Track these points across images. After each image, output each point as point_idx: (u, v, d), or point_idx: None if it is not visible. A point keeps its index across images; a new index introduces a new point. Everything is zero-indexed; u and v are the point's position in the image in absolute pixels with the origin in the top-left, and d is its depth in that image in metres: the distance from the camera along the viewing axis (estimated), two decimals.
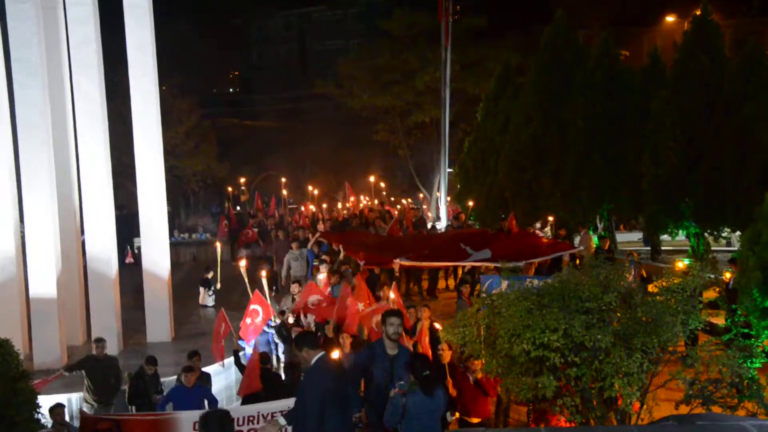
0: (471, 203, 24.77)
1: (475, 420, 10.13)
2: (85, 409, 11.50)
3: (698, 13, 19.32)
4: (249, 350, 12.77)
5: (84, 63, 16.07)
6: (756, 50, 18.54)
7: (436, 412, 7.56)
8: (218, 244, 19.82)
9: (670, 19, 37.82)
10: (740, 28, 34.88)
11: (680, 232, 19.84)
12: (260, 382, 10.78)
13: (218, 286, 19.29)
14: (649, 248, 22.91)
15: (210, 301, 19.54)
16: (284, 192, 31.27)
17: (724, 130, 17.76)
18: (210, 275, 19.73)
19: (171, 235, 30.22)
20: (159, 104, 17.09)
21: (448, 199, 29.94)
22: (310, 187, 33.70)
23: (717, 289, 13.05)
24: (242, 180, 37.47)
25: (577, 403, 8.38)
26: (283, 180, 33.21)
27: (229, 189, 28.25)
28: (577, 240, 20.00)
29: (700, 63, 18.44)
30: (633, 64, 25.38)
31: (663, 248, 22.27)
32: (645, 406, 8.78)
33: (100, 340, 12.50)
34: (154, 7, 16.82)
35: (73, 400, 12.54)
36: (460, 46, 32.29)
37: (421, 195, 38.75)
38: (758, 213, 11.18)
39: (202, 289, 19.68)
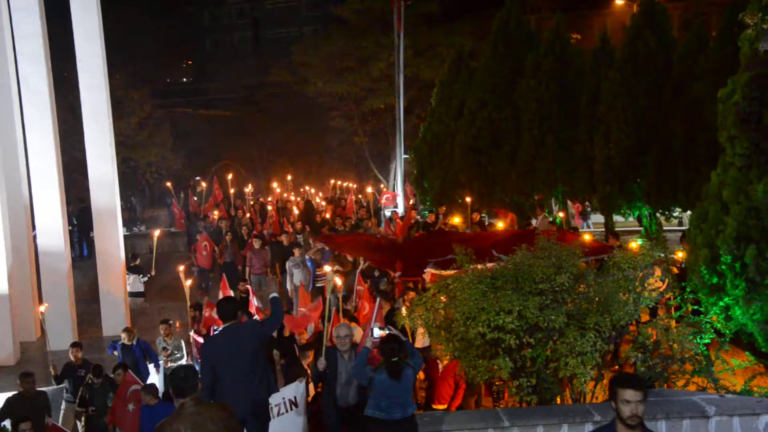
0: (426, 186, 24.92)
1: (441, 407, 10.15)
2: None
3: None
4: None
5: (30, 55, 15.81)
6: (703, 31, 18.79)
7: (405, 388, 7.71)
8: (155, 233, 19.52)
9: (619, 2, 38.16)
10: (687, 10, 35.32)
11: (634, 213, 20.12)
12: None
13: (153, 272, 19.01)
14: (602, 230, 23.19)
15: (140, 287, 18.85)
16: (249, 188, 30.02)
17: (674, 111, 18.00)
18: (137, 262, 19.11)
19: (131, 227, 29.93)
20: (109, 95, 16.88)
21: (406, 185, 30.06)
22: (274, 184, 31.81)
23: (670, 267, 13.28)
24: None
25: (533, 383, 8.48)
26: (271, 187, 31.65)
27: (168, 184, 26.99)
28: (537, 223, 20.13)
29: (648, 45, 18.66)
30: (584, 47, 25.59)
31: (617, 229, 22.56)
32: (599, 385, 8.93)
33: (27, 375, 10.94)
34: None
35: None
36: (413, 32, 32.30)
37: (382, 185, 38.76)
38: (705, 192, 11.37)
39: (132, 276, 18.66)
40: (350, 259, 16.81)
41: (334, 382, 8.61)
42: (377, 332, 8.55)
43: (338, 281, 12.08)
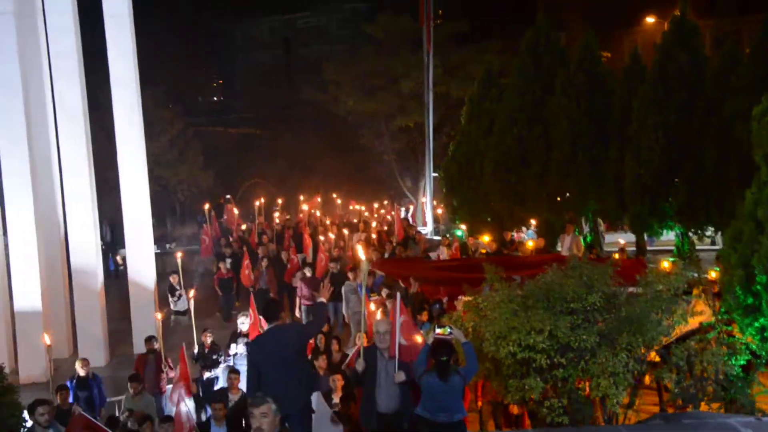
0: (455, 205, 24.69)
1: None
2: None
3: (677, 13, 19.44)
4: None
5: (65, 73, 16.05)
6: (735, 49, 18.65)
7: (451, 393, 7.78)
8: (179, 254, 19.51)
9: (650, 20, 37.99)
10: (719, 27, 35.10)
11: (665, 231, 19.92)
12: None
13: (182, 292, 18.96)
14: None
15: (181, 306, 18.45)
16: (277, 210, 29.11)
17: (706, 130, 17.85)
18: (173, 280, 18.75)
19: (163, 245, 30.09)
20: (141, 114, 17.07)
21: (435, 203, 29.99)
22: (303, 202, 29.50)
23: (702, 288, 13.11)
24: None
25: (564, 404, 8.40)
26: (280, 202, 30.77)
27: (206, 206, 26.06)
28: (567, 241, 19.99)
29: (679, 63, 18.54)
30: (614, 65, 25.48)
31: (649, 248, 22.34)
32: (632, 406, 8.83)
33: (63, 388, 11.08)
34: (136, 15, 16.80)
35: None
36: (442, 51, 32.40)
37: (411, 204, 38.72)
38: (740, 211, 11.22)
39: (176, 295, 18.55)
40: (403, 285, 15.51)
41: (373, 384, 8.27)
42: (438, 330, 8.40)
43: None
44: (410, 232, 22.55)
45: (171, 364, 13.11)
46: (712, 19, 36.24)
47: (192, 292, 15.38)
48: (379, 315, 11.77)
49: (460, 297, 12.76)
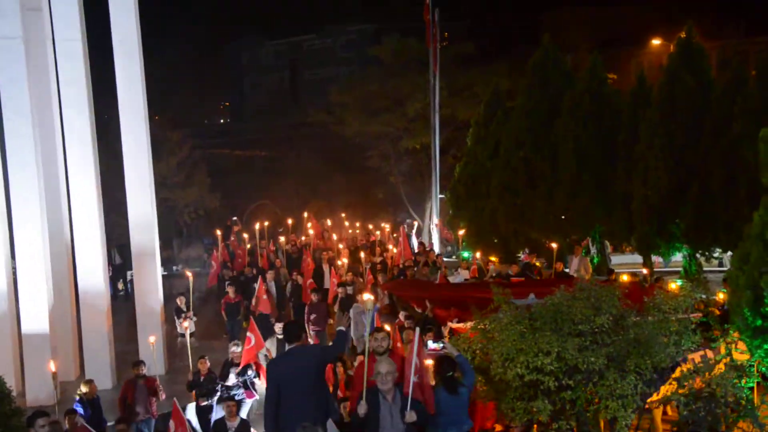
0: (461, 231, 24.65)
1: None
2: None
3: (683, 35, 19.51)
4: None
5: (74, 99, 16.15)
6: (741, 71, 18.70)
7: (460, 406, 7.88)
8: (189, 274, 19.50)
9: (656, 41, 38.11)
10: (726, 49, 35.18)
11: (673, 253, 19.89)
12: None
13: (192, 313, 18.94)
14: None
15: (192, 327, 18.23)
16: (282, 238, 28.58)
17: (713, 151, 17.87)
18: (180, 302, 18.87)
19: (170, 267, 30.04)
20: (149, 139, 17.15)
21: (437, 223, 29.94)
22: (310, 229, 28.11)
23: (711, 309, 13.08)
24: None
25: (572, 427, 8.36)
26: (290, 221, 29.64)
27: (218, 232, 25.65)
28: (575, 263, 19.97)
29: (686, 84, 18.58)
30: (620, 86, 25.54)
31: (656, 269, 22.29)
32: (640, 428, 8.78)
33: (72, 412, 10.88)
34: (144, 38, 16.92)
35: None
36: (448, 72, 32.51)
37: (415, 222, 38.71)
38: (747, 232, 11.21)
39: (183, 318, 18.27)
40: (418, 310, 15.25)
41: (376, 429, 7.56)
42: (431, 344, 8.44)
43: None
44: (431, 256, 22.21)
45: (162, 388, 13.04)
46: (718, 41, 36.34)
47: (186, 322, 15.35)
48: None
49: (448, 323, 12.76)
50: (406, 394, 7.56)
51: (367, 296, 9.35)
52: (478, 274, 19.49)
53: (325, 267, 20.57)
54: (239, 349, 13.77)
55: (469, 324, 10.71)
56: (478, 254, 20.29)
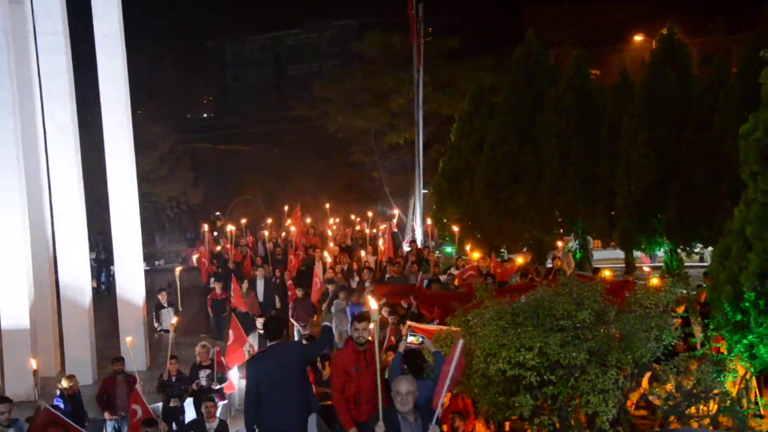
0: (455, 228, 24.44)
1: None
2: None
3: (665, 32, 19.61)
4: None
5: (56, 93, 16.00)
6: (723, 67, 18.82)
7: (421, 395, 7.62)
8: (177, 269, 19.38)
9: (638, 38, 38.25)
10: (707, 45, 35.31)
11: (655, 248, 20.01)
12: None
13: (180, 308, 18.86)
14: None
15: (166, 324, 17.68)
16: (266, 232, 28.00)
17: (695, 147, 17.99)
18: (162, 297, 18.56)
19: (152, 262, 29.89)
20: (132, 133, 17.03)
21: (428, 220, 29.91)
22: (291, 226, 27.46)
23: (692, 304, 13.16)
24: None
25: (554, 422, 8.38)
26: (269, 221, 29.50)
27: (205, 227, 25.27)
28: (560, 255, 20.00)
29: (668, 81, 18.71)
30: (603, 82, 25.65)
31: (649, 265, 22.41)
32: (622, 423, 8.81)
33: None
34: (127, 31, 16.79)
35: None
36: (432, 67, 32.46)
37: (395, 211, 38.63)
38: (728, 228, 11.27)
39: (163, 312, 18.26)
40: (404, 305, 15.02)
41: None
42: (410, 338, 8.39)
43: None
44: (424, 253, 21.96)
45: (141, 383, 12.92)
46: (699, 38, 36.51)
47: (175, 319, 15.23)
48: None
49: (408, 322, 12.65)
50: (434, 408, 7.24)
51: (374, 305, 8.89)
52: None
53: (318, 264, 20.45)
54: (204, 350, 13.57)
55: (432, 326, 10.81)
56: (476, 254, 19.95)
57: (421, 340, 8.25)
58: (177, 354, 13.67)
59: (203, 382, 13.01)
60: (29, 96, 16.65)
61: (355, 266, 20.22)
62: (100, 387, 13.13)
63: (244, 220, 26.67)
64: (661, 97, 18.80)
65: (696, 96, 18.61)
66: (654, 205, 18.81)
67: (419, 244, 26.66)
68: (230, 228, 24.41)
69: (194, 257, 26.97)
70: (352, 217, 32.35)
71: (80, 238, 16.35)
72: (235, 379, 14.11)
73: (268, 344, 8.48)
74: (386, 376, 8.29)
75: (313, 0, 64.34)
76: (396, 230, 27.63)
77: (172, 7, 57.84)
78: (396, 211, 36.73)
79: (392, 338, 12.21)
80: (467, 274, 18.12)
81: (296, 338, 16.73)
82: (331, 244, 23.69)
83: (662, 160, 18.63)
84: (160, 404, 12.87)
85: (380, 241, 22.84)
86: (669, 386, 8.79)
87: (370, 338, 8.50)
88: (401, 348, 8.42)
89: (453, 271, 19.22)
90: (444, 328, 10.19)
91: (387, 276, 18.82)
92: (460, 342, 7.70)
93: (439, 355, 8.29)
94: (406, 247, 25.39)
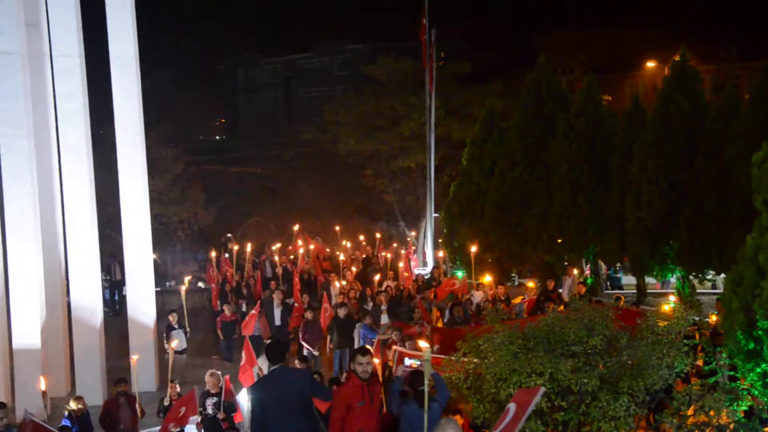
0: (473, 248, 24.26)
1: None
2: None
3: (677, 58, 19.67)
4: None
5: (70, 115, 16.11)
6: (735, 95, 18.85)
7: (430, 422, 7.69)
8: (183, 289, 19.38)
9: (650, 64, 38.35)
10: (719, 73, 35.42)
11: (667, 275, 19.95)
12: None
13: (187, 329, 18.83)
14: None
15: (179, 345, 17.79)
16: (275, 250, 28.02)
17: (706, 174, 17.98)
18: (172, 319, 18.49)
19: (163, 283, 29.85)
20: (145, 154, 17.14)
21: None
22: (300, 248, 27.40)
23: (703, 332, 13.10)
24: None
25: None
26: (277, 245, 29.10)
27: (213, 254, 25.37)
28: (568, 283, 19.95)
29: (680, 107, 18.73)
30: (615, 108, 25.70)
31: (650, 291, 22.33)
32: None
33: (65, 429, 11.17)
34: (141, 54, 16.93)
35: None
36: (444, 92, 32.59)
37: (409, 239, 38.60)
38: (740, 255, 11.25)
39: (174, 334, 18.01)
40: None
41: None
42: (407, 362, 8.46)
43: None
44: (441, 277, 21.97)
45: (143, 407, 12.88)
46: (712, 65, 36.61)
47: (175, 342, 15.13)
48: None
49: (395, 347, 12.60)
50: None
51: (424, 344, 9.01)
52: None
53: (333, 289, 20.38)
54: (213, 379, 13.48)
55: (418, 353, 10.60)
56: (462, 272, 19.93)
57: (419, 363, 8.30)
58: (186, 375, 13.63)
59: (209, 410, 12.92)
60: (44, 117, 16.77)
61: (368, 291, 20.21)
62: (102, 409, 13.03)
63: (249, 246, 26.55)
64: (673, 124, 18.82)
65: (708, 123, 18.63)
66: (665, 231, 18.77)
67: (429, 268, 26.69)
68: (241, 249, 24.43)
69: (200, 281, 27.07)
70: (361, 238, 32.31)
71: (92, 259, 16.41)
72: (244, 410, 13.97)
73: (271, 368, 8.52)
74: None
75: (324, 24, 64.72)
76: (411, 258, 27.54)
77: (186, 31, 58.46)
78: (413, 234, 36.71)
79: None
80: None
81: (305, 354, 16.56)
82: (347, 269, 23.64)
83: (673, 187, 18.63)
84: (156, 429, 12.72)
85: (400, 264, 22.88)
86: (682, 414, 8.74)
87: (373, 372, 8.52)
88: (399, 372, 8.48)
89: (476, 293, 19.16)
90: (442, 356, 10.16)
91: (448, 318, 17.12)
92: (541, 389, 7.38)
93: (438, 375, 8.38)
94: (417, 271, 25.44)
